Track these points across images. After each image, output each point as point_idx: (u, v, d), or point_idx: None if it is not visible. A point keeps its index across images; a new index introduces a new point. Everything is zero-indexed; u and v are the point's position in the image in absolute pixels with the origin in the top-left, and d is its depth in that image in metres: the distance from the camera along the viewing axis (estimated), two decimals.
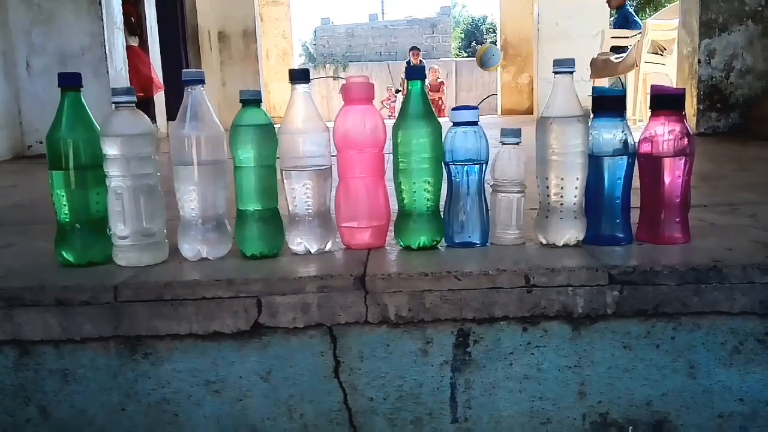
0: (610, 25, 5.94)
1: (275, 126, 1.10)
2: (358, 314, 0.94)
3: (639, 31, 5.19)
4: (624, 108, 1.09)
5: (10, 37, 3.66)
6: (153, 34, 5.81)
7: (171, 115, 6.16)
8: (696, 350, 0.92)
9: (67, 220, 1.06)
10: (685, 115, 1.09)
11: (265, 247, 1.08)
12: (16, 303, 0.95)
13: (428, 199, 1.10)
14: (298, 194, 1.09)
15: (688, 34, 3.88)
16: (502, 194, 1.12)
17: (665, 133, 1.08)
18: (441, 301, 0.94)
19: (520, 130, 1.13)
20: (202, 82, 1.07)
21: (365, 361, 0.95)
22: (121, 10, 4.01)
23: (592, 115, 1.10)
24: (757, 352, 0.92)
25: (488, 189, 1.15)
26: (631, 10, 5.63)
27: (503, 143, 1.14)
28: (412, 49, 10.67)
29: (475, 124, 1.12)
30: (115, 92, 1.04)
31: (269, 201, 1.10)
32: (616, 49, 5.47)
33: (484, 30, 33.09)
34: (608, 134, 1.08)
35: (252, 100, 1.08)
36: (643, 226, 1.11)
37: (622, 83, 5.53)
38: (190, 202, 1.06)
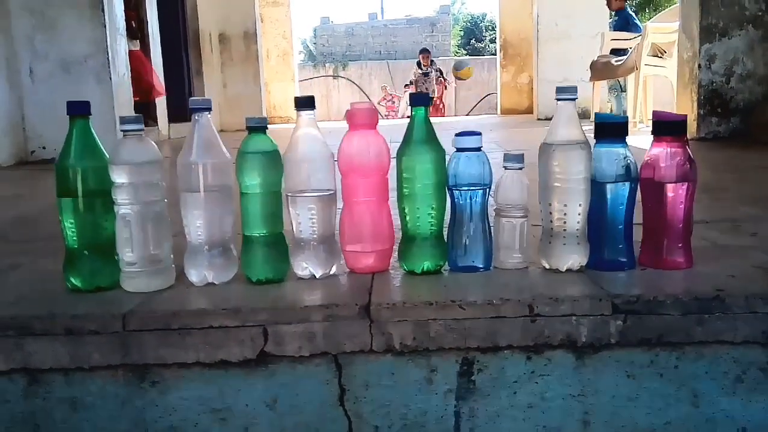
0: (610, 27, 5.94)
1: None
2: (363, 343, 0.95)
3: (639, 33, 5.19)
4: (626, 134, 1.10)
5: (13, 44, 3.67)
6: (155, 37, 5.81)
7: (172, 117, 6.18)
8: (699, 379, 0.94)
9: (76, 246, 1.06)
10: (687, 140, 1.09)
11: (270, 273, 1.09)
12: (26, 332, 0.96)
13: (432, 224, 1.11)
14: (303, 220, 1.10)
15: (688, 39, 3.88)
16: (506, 219, 1.13)
17: (667, 158, 1.09)
18: (445, 330, 0.95)
19: (523, 155, 1.14)
20: (208, 109, 1.08)
21: (370, 389, 0.96)
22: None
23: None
24: (760, 381, 0.93)
25: (491, 213, 1.16)
26: (631, 12, 5.63)
27: (506, 168, 1.14)
28: (422, 51, 10.67)
29: (478, 149, 1.12)
30: (123, 121, 1.05)
31: (275, 226, 1.11)
32: (616, 52, 5.47)
33: (483, 28, 33.04)
34: (610, 160, 1.09)
35: (258, 127, 1.08)
36: (645, 251, 1.12)
37: (621, 86, 5.54)
38: (196, 228, 1.07)
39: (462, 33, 32.59)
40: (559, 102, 1.08)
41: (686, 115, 1.09)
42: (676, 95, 4.13)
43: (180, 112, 6.77)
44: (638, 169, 1.11)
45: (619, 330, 0.94)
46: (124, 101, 3.87)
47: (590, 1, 7.37)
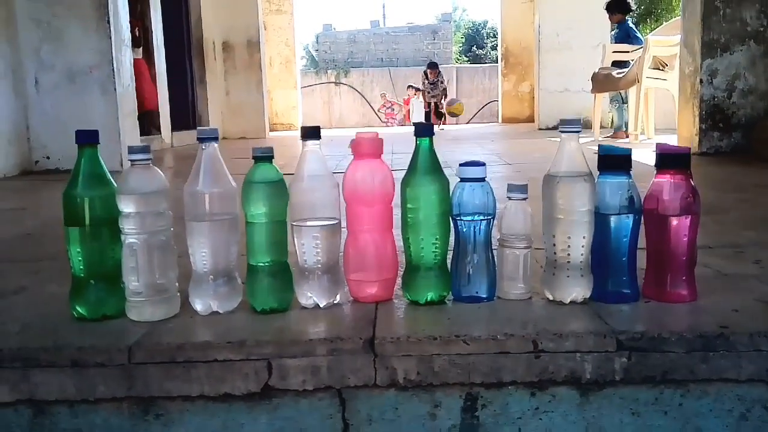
0: (611, 39, 5.96)
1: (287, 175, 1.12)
2: (367, 377, 0.96)
3: (640, 46, 5.22)
4: (629, 166, 1.10)
5: (20, 54, 3.68)
6: (159, 46, 5.83)
7: (175, 125, 6.19)
8: (704, 417, 0.94)
9: (82, 275, 1.07)
10: (691, 173, 1.10)
11: (275, 302, 1.10)
12: (32, 363, 0.96)
13: (436, 254, 1.12)
14: (307, 249, 1.10)
15: (690, 54, 3.90)
16: (509, 249, 1.13)
17: (671, 191, 1.09)
18: (449, 365, 0.95)
19: (526, 185, 1.15)
20: (215, 139, 1.09)
21: (374, 423, 0.96)
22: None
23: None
24: (765, 420, 0.93)
25: (495, 243, 1.16)
26: (632, 25, 5.65)
27: (510, 198, 1.15)
28: (430, 65, 10.71)
29: (482, 180, 1.13)
30: (131, 150, 1.06)
31: (279, 255, 1.11)
32: (617, 64, 5.49)
33: (484, 35, 33.15)
34: (614, 192, 1.09)
35: (264, 157, 1.09)
36: (649, 283, 1.13)
37: (622, 97, 5.55)
38: (202, 256, 1.08)
39: (463, 40, 32.70)
40: (562, 134, 1.09)
41: (689, 149, 1.10)
42: (677, 109, 4.14)
43: (183, 120, 6.81)
44: (642, 201, 1.11)
45: (624, 367, 0.94)
46: (129, 111, 3.88)
47: (591, 13, 7.40)
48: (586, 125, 7.34)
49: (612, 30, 5.93)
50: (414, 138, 1.14)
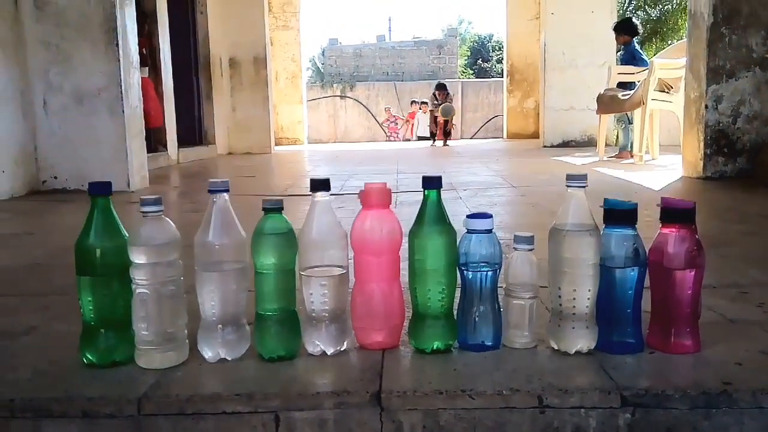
0: (617, 61, 5.99)
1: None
2: (373, 431, 0.97)
3: (645, 68, 5.24)
4: (635, 220, 1.12)
5: (28, 76, 3.73)
6: (166, 64, 5.89)
7: (182, 142, 6.23)
8: None
9: (93, 323, 1.09)
10: (695, 227, 1.11)
11: (282, 350, 1.11)
12: (43, 414, 0.98)
13: (442, 304, 1.13)
14: (315, 298, 1.12)
15: (695, 79, 3.91)
16: (515, 299, 1.15)
17: (676, 245, 1.10)
18: (455, 419, 0.96)
19: (533, 237, 1.16)
20: (227, 190, 1.11)
21: None
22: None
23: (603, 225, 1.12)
24: None
25: (501, 292, 1.17)
26: (638, 47, 5.68)
27: (516, 249, 1.16)
28: (438, 87, 10.86)
29: (489, 232, 1.14)
30: (144, 202, 1.07)
31: (288, 304, 1.13)
32: (623, 85, 5.52)
33: (490, 48, 33.28)
34: (619, 245, 1.11)
35: (274, 209, 1.11)
36: (654, 333, 1.14)
37: (629, 118, 5.56)
38: (211, 305, 1.09)
39: (469, 53, 32.82)
40: (569, 188, 1.10)
41: (694, 203, 1.11)
42: (682, 133, 4.16)
43: (190, 136, 6.86)
44: (647, 253, 1.12)
45: (628, 423, 0.95)
46: (136, 133, 3.92)
47: (597, 32, 7.45)
48: (591, 143, 7.38)
49: (618, 51, 5.95)
50: (422, 188, 1.16)
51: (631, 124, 5.48)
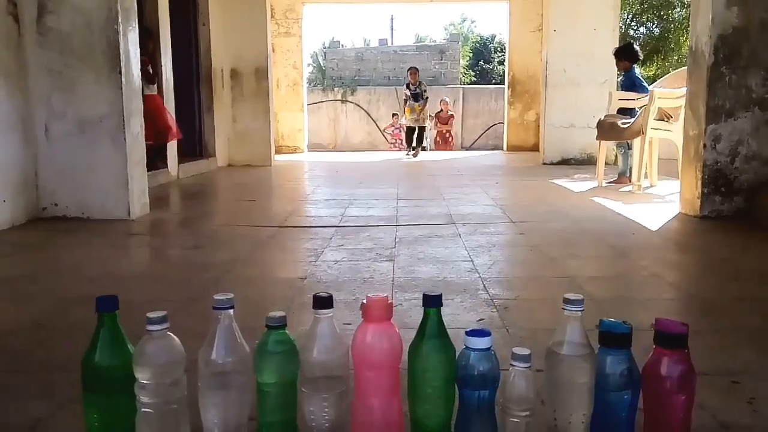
0: (617, 86, 6.00)
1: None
2: None
3: (646, 94, 5.26)
4: (629, 344, 1.14)
5: (31, 103, 3.74)
6: (168, 80, 5.90)
7: (182, 156, 6.25)
8: None
9: None
10: (688, 351, 1.13)
11: None
12: None
13: (440, 419, 1.16)
14: (316, 413, 1.14)
15: (694, 117, 3.94)
16: (511, 417, 1.17)
17: (668, 368, 1.13)
18: None
19: (530, 354, 1.18)
20: (231, 307, 1.13)
21: None
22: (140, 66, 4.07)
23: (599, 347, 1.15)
24: None
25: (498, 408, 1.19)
26: (638, 73, 5.70)
27: (513, 365, 1.18)
28: (410, 69, 10.16)
29: (488, 350, 1.17)
30: (150, 321, 1.09)
31: (289, 417, 1.15)
32: (623, 111, 5.54)
33: (492, 49, 33.23)
34: (614, 368, 1.13)
35: (276, 326, 1.13)
36: None
37: (628, 143, 5.58)
38: (214, 422, 1.12)
39: (471, 54, 32.78)
40: (565, 312, 1.13)
41: (687, 327, 1.13)
42: (680, 170, 4.18)
43: (190, 149, 6.87)
44: (640, 375, 1.15)
45: None
46: (137, 160, 3.93)
47: (599, 49, 7.48)
48: (591, 161, 7.40)
49: (618, 76, 5.97)
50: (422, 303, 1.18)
51: (631, 149, 5.50)
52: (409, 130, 9.81)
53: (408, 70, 10.32)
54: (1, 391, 1.50)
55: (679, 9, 11.47)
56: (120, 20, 3.69)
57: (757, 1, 3.69)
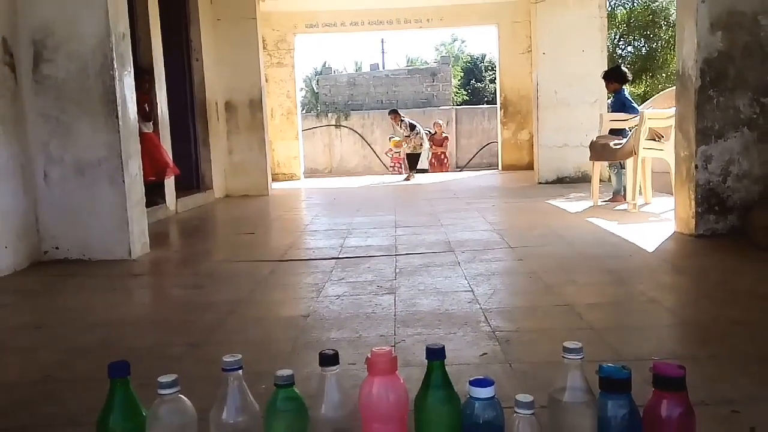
0: (608, 107, 6.09)
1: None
2: None
3: (635, 115, 5.34)
4: (629, 388, 1.17)
5: (29, 149, 3.79)
6: (164, 117, 5.97)
7: (179, 190, 6.29)
8: None
9: None
10: (686, 392, 1.17)
11: None
12: None
13: None
14: None
15: (684, 139, 4.00)
16: None
17: (667, 410, 1.16)
18: None
19: (533, 401, 1.21)
20: (240, 368, 1.16)
21: None
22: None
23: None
24: None
25: None
26: (627, 94, 5.78)
27: (517, 413, 1.21)
28: (391, 112, 11.01)
29: (491, 398, 1.19)
30: (161, 386, 1.12)
31: None
32: (614, 132, 5.62)
33: (483, 68, 33.56)
34: (615, 412, 1.16)
35: (285, 384, 1.16)
36: None
37: (621, 163, 5.64)
38: None
39: (462, 73, 33.09)
40: (565, 360, 1.16)
41: (684, 370, 1.16)
42: (674, 189, 4.24)
43: (187, 183, 6.91)
44: (641, 418, 1.18)
45: None
46: (136, 200, 3.97)
47: (588, 70, 7.59)
48: (586, 179, 7.46)
49: (608, 98, 6.05)
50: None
51: (623, 168, 5.57)
52: (409, 156, 10.46)
53: (389, 114, 11.11)
54: None
55: (665, 28, 11.67)
56: (115, 65, 3.75)
57: (740, 25, 3.78)
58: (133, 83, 4.02)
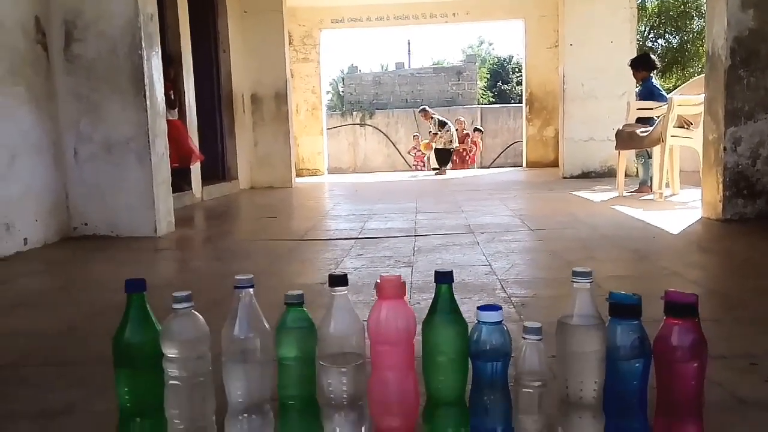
0: (635, 96, 6.02)
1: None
2: None
3: (664, 103, 5.26)
4: (639, 314, 1.16)
5: (60, 127, 3.89)
6: (191, 105, 6.06)
7: (205, 179, 6.38)
8: None
9: (129, 412, 1.17)
10: (699, 321, 1.15)
11: None
12: None
13: (454, 392, 1.19)
14: (335, 386, 1.18)
15: (713, 121, 3.94)
16: (524, 388, 1.20)
17: (679, 338, 1.15)
18: None
19: (540, 327, 1.21)
20: (252, 286, 1.18)
21: None
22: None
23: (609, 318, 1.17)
24: None
25: (512, 380, 1.22)
26: (655, 82, 5.70)
27: (525, 338, 1.21)
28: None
29: (499, 323, 1.20)
30: (176, 300, 1.15)
31: (309, 391, 1.19)
32: (642, 120, 5.54)
33: (510, 70, 33.41)
34: (625, 338, 1.15)
35: (295, 303, 1.18)
36: (659, 422, 1.18)
37: (648, 152, 5.57)
38: (237, 395, 1.17)
39: (489, 75, 32.99)
40: (575, 285, 1.16)
41: (697, 297, 1.15)
42: (702, 174, 4.17)
43: (213, 173, 7.01)
44: (651, 344, 1.17)
45: None
46: (163, 179, 4.05)
47: (616, 62, 7.49)
48: (611, 173, 7.38)
49: (636, 86, 5.98)
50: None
51: (651, 158, 5.49)
52: (441, 152, 10.58)
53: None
54: (40, 380, 1.57)
55: (697, 19, 11.46)
56: (144, 45, 3.83)
57: None
58: (161, 65, 4.10)
